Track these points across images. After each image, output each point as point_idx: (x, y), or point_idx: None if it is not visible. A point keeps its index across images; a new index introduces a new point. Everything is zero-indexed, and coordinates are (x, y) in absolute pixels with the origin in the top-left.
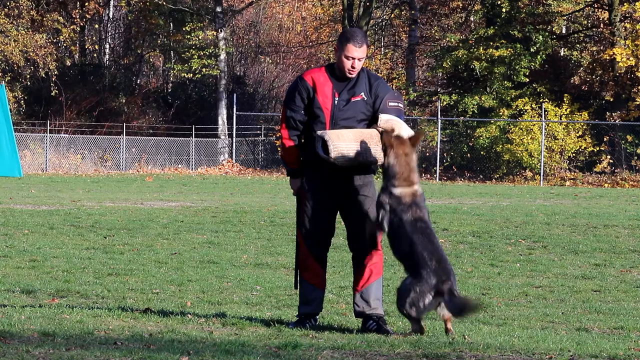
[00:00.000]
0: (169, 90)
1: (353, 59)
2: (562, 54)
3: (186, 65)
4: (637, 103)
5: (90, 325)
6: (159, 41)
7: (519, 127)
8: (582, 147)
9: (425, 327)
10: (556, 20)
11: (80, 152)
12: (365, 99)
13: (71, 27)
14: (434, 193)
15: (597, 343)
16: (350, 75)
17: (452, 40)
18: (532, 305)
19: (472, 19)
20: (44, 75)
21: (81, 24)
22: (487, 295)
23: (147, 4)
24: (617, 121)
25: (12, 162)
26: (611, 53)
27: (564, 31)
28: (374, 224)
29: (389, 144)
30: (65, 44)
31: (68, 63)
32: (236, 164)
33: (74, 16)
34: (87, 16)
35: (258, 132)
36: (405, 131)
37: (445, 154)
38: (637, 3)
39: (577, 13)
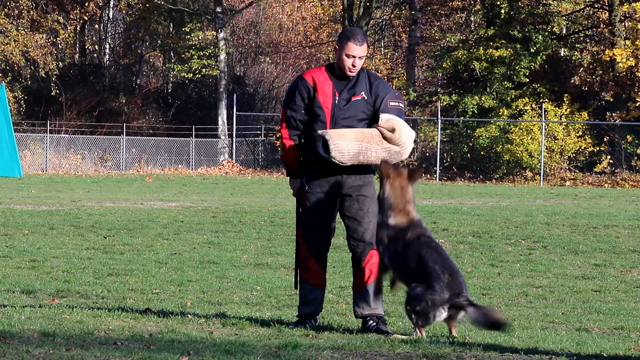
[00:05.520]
0: (169, 90)
1: (354, 57)
2: (562, 54)
3: (186, 65)
4: (637, 103)
5: (90, 325)
6: (158, 41)
7: (519, 127)
8: (582, 147)
9: (425, 333)
10: (556, 20)
11: (80, 152)
12: (366, 98)
13: (71, 28)
14: (434, 193)
15: (597, 343)
16: (350, 74)
17: (452, 40)
18: (532, 305)
19: (472, 19)
20: (44, 75)
21: (79, 25)
22: (487, 295)
23: (147, 5)
24: (617, 121)
25: (12, 162)
26: (611, 53)
27: (564, 31)
28: (379, 265)
29: (385, 175)
30: (65, 44)
31: (67, 63)
32: (236, 164)
33: (72, 17)
34: (85, 17)
35: (258, 132)
36: (406, 131)
37: (445, 154)
38: (637, 3)
39: (577, 13)
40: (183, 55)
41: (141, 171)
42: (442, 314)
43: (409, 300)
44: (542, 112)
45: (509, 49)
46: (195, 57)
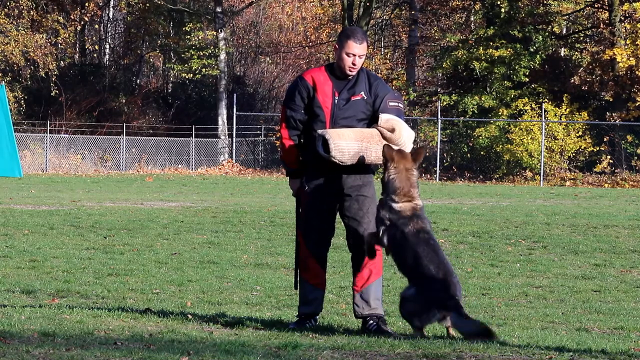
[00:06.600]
0: (169, 90)
1: (354, 55)
2: (562, 54)
3: (186, 65)
4: (637, 103)
5: (90, 325)
6: (158, 41)
7: (518, 127)
8: (582, 147)
9: (426, 332)
10: (556, 20)
11: (80, 152)
12: (365, 98)
13: (70, 28)
14: (434, 193)
15: (597, 343)
16: (350, 73)
17: (452, 40)
18: (532, 305)
19: (472, 19)
20: (44, 75)
21: (79, 26)
22: (487, 295)
23: (147, 5)
24: (617, 121)
25: (12, 162)
26: (611, 53)
27: (564, 31)
28: (373, 237)
29: (389, 158)
30: (65, 44)
31: (67, 63)
32: (236, 164)
33: (72, 18)
34: (86, 18)
35: (258, 132)
36: (406, 131)
37: (445, 154)
38: (637, 3)
39: (577, 13)
40: (183, 55)
41: (141, 171)
42: (436, 315)
43: (402, 302)
44: (542, 112)
45: (509, 49)
46: (195, 57)
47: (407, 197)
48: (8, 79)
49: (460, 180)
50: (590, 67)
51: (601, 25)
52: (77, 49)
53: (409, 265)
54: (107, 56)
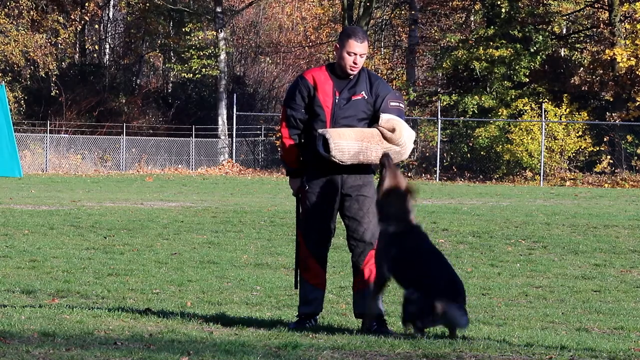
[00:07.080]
0: (169, 90)
1: (355, 54)
2: (562, 54)
3: (186, 65)
4: (637, 103)
5: (90, 325)
6: (158, 41)
7: (518, 127)
8: (582, 147)
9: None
10: (556, 20)
11: (80, 152)
12: (366, 97)
13: (70, 29)
14: (434, 193)
15: (597, 343)
16: (352, 72)
17: (452, 40)
18: (532, 305)
19: (472, 19)
20: (44, 75)
21: (79, 26)
22: (487, 295)
23: (147, 5)
24: (617, 121)
25: (12, 162)
26: (611, 53)
27: (564, 31)
28: (376, 278)
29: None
30: (65, 44)
31: (67, 63)
32: (236, 164)
33: (72, 18)
34: (86, 18)
35: (258, 132)
36: (407, 131)
37: (445, 154)
38: (637, 3)
39: (577, 13)
40: (183, 55)
41: (141, 171)
42: (439, 317)
43: (406, 304)
44: (542, 112)
45: (509, 49)
46: (195, 57)
47: (404, 222)
48: (8, 79)
49: (460, 180)
50: (591, 67)
51: (601, 25)
52: (77, 49)
53: (412, 274)
54: (107, 56)
